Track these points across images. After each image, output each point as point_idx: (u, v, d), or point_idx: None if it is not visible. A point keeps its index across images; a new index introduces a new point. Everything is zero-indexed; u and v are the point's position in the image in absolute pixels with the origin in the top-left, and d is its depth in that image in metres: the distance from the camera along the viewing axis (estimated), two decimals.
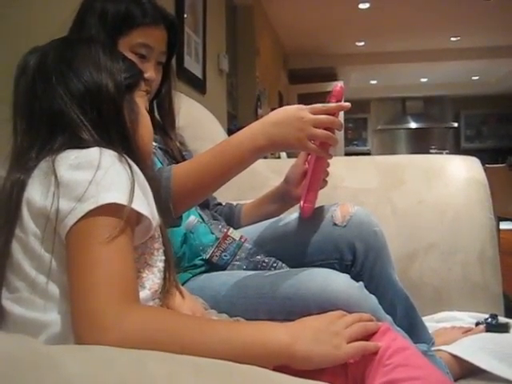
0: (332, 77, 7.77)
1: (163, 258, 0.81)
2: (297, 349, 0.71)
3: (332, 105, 1.02)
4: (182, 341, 0.65)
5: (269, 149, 1.03)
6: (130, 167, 0.73)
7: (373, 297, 1.00)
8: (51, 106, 0.78)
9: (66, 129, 0.77)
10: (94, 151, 0.73)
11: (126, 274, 0.68)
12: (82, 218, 0.67)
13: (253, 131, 1.03)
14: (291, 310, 0.95)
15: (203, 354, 0.60)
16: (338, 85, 1.05)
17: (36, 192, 0.72)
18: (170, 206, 1.01)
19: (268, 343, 0.70)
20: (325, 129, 1.00)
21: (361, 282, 1.00)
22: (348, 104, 1.03)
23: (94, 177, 0.69)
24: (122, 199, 0.69)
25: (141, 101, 0.88)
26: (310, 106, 1.01)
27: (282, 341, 0.71)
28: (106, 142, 0.77)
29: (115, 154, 0.74)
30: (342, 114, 1.05)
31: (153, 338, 0.63)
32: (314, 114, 1.00)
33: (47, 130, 0.78)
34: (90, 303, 0.63)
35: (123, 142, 0.79)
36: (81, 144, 0.75)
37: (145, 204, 0.73)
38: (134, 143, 0.82)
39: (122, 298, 0.65)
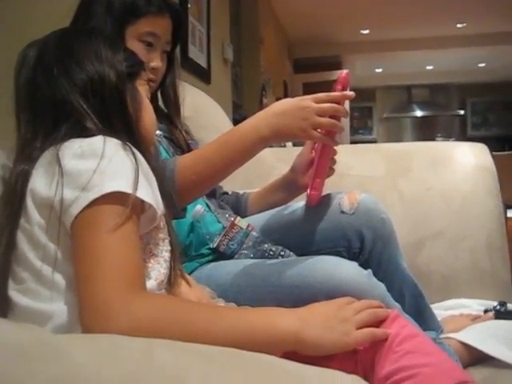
0: (337, 65, 7.72)
1: (169, 248, 0.81)
2: (306, 334, 0.71)
3: (336, 93, 1.01)
4: (188, 327, 0.64)
5: (273, 139, 1.03)
6: (134, 155, 0.73)
7: (381, 284, 0.99)
8: (54, 95, 0.78)
9: (69, 118, 0.77)
10: (98, 140, 0.72)
11: (132, 262, 0.67)
12: (87, 206, 0.67)
13: (256, 122, 1.03)
14: (299, 298, 0.94)
15: (211, 341, 0.60)
16: (343, 72, 1.05)
17: (40, 182, 0.72)
18: (174, 197, 1.01)
19: (277, 329, 0.70)
20: (330, 117, 0.99)
21: (369, 270, 0.99)
22: (352, 93, 1.02)
23: (98, 165, 0.69)
24: (126, 187, 0.68)
25: (142, 89, 0.87)
26: (313, 96, 1.01)
27: (291, 326, 0.70)
28: (109, 130, 0.76)
29: (119, 142, 0.74)
30: (347, 102, 1.05)
31: (159, 325, 0.63)
32: (318, 102, 0.99)
33: (50, 119, 0.78)
34: (96, 292, 0.63)
35: (126, 131, 0.79)
36: (84, 133, 0.74)
37: (149, 192, 0.72)
38: (137, 131, 0.82)
39: (129, 286, 0.65)
